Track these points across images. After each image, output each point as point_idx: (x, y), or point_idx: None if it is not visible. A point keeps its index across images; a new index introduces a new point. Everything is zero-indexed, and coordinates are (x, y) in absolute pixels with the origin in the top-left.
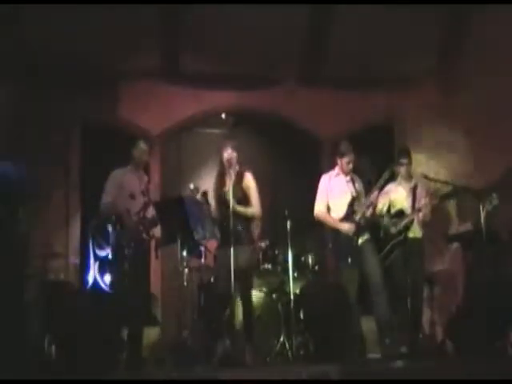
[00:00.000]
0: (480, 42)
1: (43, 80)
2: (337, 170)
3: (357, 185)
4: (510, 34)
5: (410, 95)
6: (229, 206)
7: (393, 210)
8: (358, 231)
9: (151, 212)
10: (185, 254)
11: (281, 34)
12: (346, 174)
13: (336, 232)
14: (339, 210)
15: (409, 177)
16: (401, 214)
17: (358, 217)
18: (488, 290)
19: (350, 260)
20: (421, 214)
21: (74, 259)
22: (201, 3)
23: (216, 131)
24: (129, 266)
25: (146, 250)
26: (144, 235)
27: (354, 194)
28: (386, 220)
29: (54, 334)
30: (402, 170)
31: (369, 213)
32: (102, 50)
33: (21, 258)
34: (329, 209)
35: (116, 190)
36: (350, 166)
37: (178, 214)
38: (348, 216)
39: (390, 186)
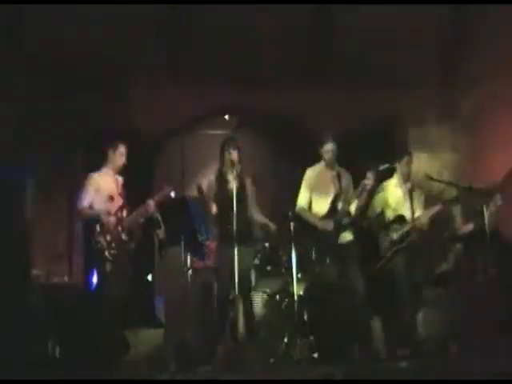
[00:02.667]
0: (480, 41)
1: (47, 81)
2: (322, 162)
3: (343, 181)
4: (510, 34)
5: (410, 95)
6: (231, 207)
7: (390, 213)
8: (338, 229)
9: (127, 213)
10: (188, 255)
11: (282, 35)
12: (330, 166)
13: (315, 230)
14: (322, 206)
15: (407, 178)
16: (401, 219)
17: (339, 215)
18: (491, 291)
19: (328, 260)
20: (419, 223)
21: (78, 261)
22: (203, 3)
23: (219, 132)
24: (112, 267)
25: (128, 250)
26: (123, 236)
27: (338, 190)
28: (385, 227)
29: (57, 335)
30: (403, 169)
31: (354, 210)
32: (104, 51)
33: (25, 260)
34: (311, 204)
35: (93, 194)
36: (330, 154)
37: (181, 216)
38: (329, 214)
39: (388, 184)
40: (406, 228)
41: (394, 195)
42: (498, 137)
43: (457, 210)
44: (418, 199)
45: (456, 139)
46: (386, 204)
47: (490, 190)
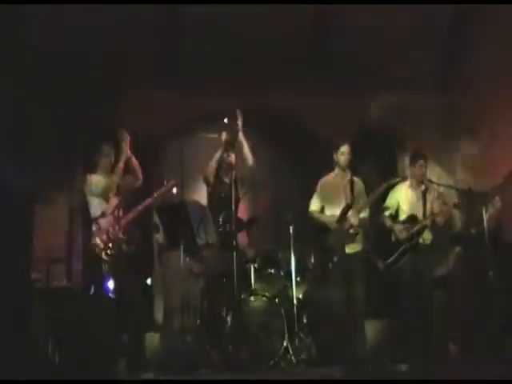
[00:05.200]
0: (480, 42)
1: (46, 82)
2: (336, 170)
3: (356, 189)
4: (510, 34)
5: (410, 96)
6: (228, 209)
7: (403, 214)
8: (344, 241)
9: (125, 212)
10: (187, 258)
11: (281, 35)
12: (343, 171)
13: (326, 232)
14: (333, 215)
15: (421, 180)
16: (413, 218)
17: (347, 225)
18: (491, 293)
19: (330, 265)
20: (432, 220)
21: (77, 264)
22: (202, 3)
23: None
24: (108, 266)
25: (125, 250)
26: (120, 235)
27: (349, 200)
28: (396, 226)
29: (57, 339)
30: (416, 172)
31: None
32: (104, 51)
33: (24, 263)
34: (323, 212)
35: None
36: (345, 157)
37: (180, 219)
38: (339, 223)
39: (399, 188)
40: (417, 227)
41: (406, 197)
42: (499, 138)
43: (456, 213)
44: (434, 202)
45: (456, 141)
46: (398, 205)
47: (489, 193)
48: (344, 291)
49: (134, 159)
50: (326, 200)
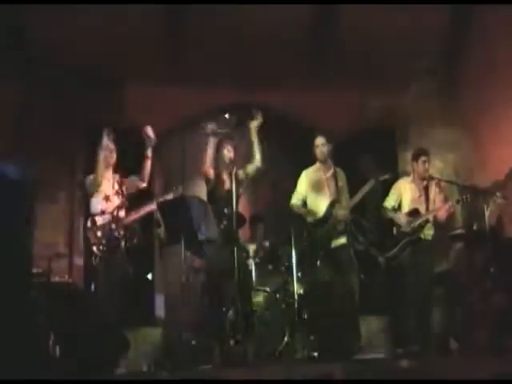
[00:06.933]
0: (480, 41)
1: (48, 80)
2: (317, 164)
3: (339, 182)
4: (509, 34)
5: (411, 94)
6: (229, 205)
7: (406, 209)
8: (331, 235)
9: (124, 212)
10: (188, 254)
11: (281, 34)
12: (324, 163)
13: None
14: (317, 208)
15: (424, 176)
16: (416, 212)
17: (332, 219)
18: (492, 290)
19: (318, 263)
20: (435, 216)
21: (79, 260)
22: (202, 3)
23: (220, 131)
24: (100, 263)
25: (119, 247)
26: (116, 234)
27: (334, 196)
28: (398, 218)
29: (58, 334)
30: (419, 168)
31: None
32: (104, 51)
33: (25, 259)
34: (306, 205)
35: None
36: (321, 149)
37: (181, 214)
38: (325, 219)
39: (402, 183)
40: (419, 221)
41: (408, 192)
42: (499, 135)
43: (457, 209)
44: (436, 197)
45: (456, 138)
46: (400, 200)
47: (490, 189)
48: (335, 285)
49: (149, 161)
50: (309, 192)
